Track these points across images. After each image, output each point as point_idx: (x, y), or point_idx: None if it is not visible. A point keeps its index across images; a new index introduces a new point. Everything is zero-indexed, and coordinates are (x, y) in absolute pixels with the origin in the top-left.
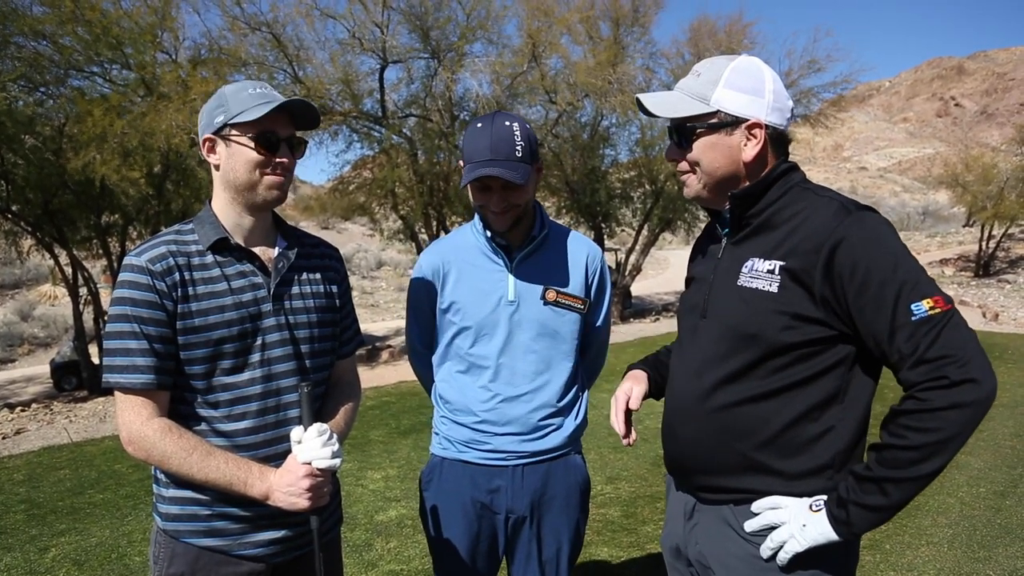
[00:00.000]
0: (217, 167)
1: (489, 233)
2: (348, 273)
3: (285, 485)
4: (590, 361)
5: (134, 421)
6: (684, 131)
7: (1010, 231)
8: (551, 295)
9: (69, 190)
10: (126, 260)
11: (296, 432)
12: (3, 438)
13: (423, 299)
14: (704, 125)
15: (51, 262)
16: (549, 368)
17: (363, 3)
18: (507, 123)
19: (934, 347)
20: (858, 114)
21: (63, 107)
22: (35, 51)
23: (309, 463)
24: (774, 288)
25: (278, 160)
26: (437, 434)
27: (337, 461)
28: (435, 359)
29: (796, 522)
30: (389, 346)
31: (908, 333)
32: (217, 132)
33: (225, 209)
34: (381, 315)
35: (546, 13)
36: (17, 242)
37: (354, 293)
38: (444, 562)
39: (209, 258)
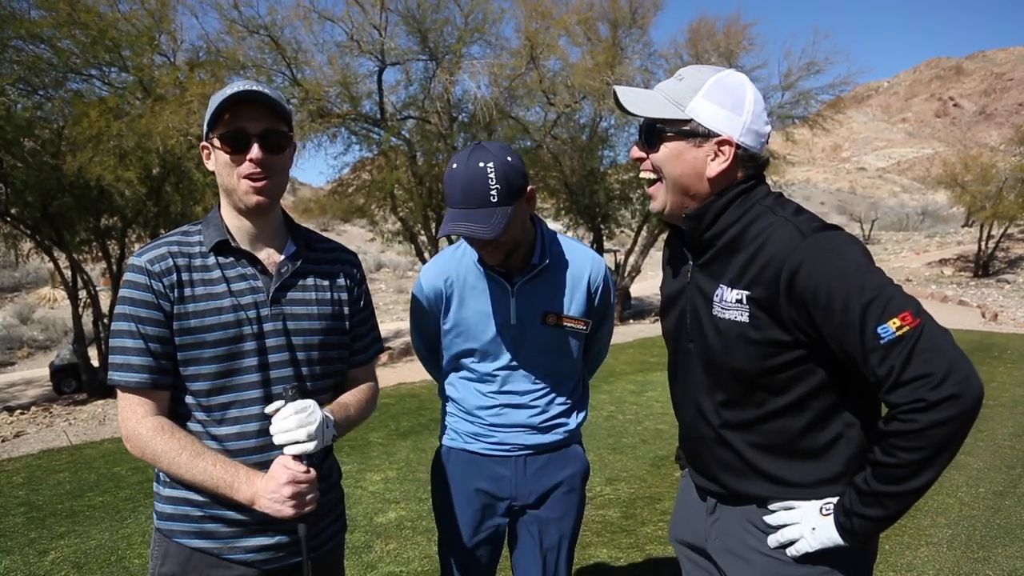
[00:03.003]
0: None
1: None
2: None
3: (269, 491)
4: (591, 358)
5: (130, 419)
6: (653, 132)
7: (1009, 231)
8: (551, 319)
9: (68, 193)
10: (129, 260)
11: (272, 406)
12: (2, 441)
13: (427, 318)
14: (674, 130)
15: (50, 265)
16: (553, 378)
17: (361, 5)
18: (481, 164)
19: (908, 369)
20: (857, 115)
21: (61, 110)
22: (33, 54)
23: (288, 468)
24: (745, 318)
25: (249, 159)
26: (446, 426)
27: (311, 445)
28: (443, 367)
29: (807, 523)
30: (388, 348)
31: (880, 357)
32: (206, 139)
33: (227, 212)
34: (381, 317)
35: (544, 15)
36: (16, 245)
37: None
38: (448, 548)
39: (211, 259)
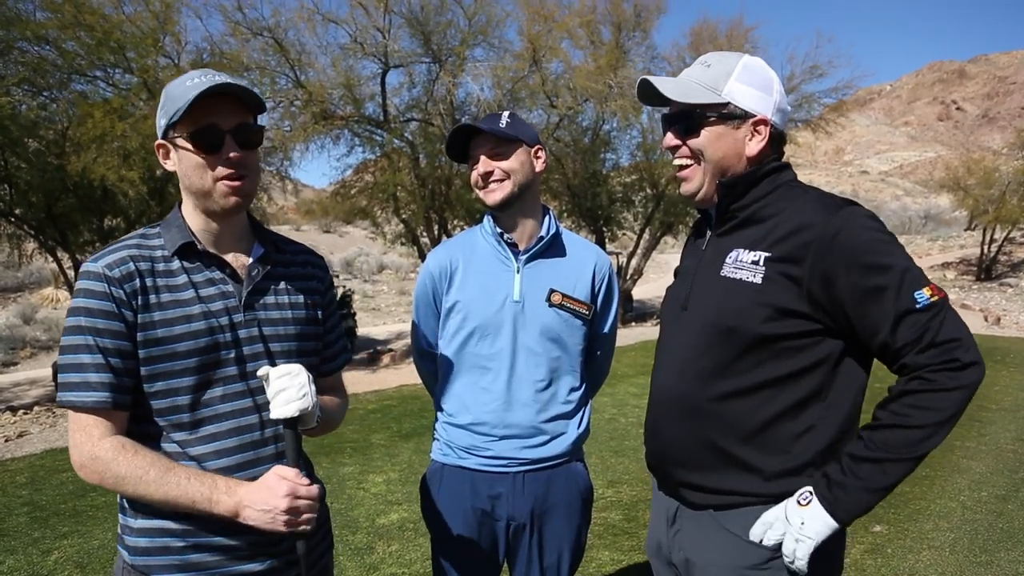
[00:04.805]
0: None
1: (499, 230)
2: (350, 279)
3: (260, 502)
4: (595, 368)
5: (84, 443)
6: (692, 118)
7: (1012, 235)
8: (556, 297)
9: (72, 194)
10: (83, 267)
11: (264, 369)
12: (5, 441)
13: (429, 297)
14: (715, 114)
15: (54, 265)
16: (553, 375)
17: (365, 8)
18: (499, 112)
19: (942, 331)
20: (859, 118)
21: (65, 111)
22: (38, 56)
23: (288, 479)
24: (758, 279)
25: (227, 158)
26: (438, 440)
27: (291, 408)
28: (439, 360)
29: (794, 524)
30: (391, 350)
31: (914, 320)
32: (165, 136)
33: (191, 214)
34: (383, 319)
35: (546, 17)
36: (20, 245)
37: (356, 296)
38: (444, 568)
39: (175, 264)
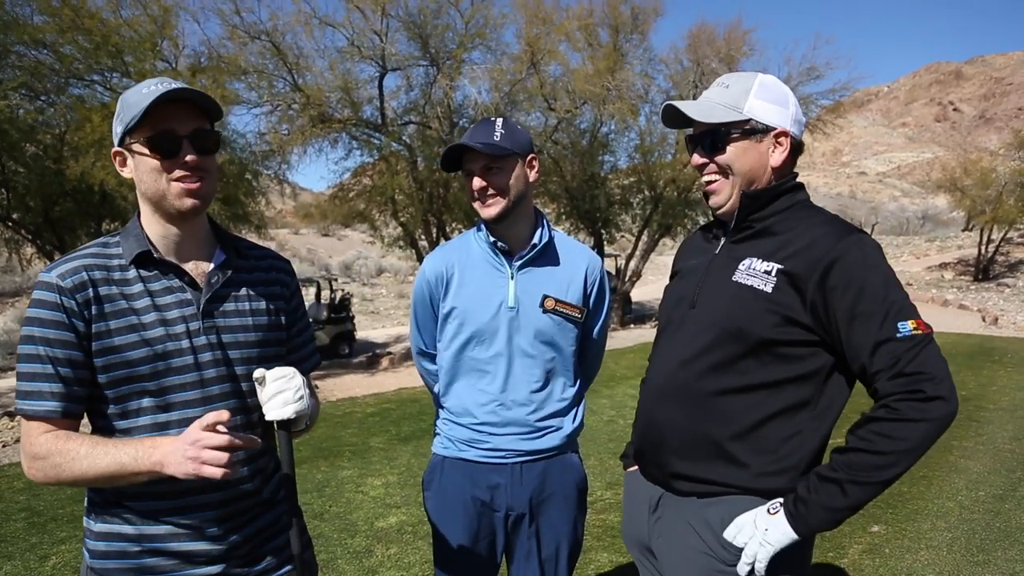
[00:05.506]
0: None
1: (492, 239)
2: (348, 282)
3: (172, 451)
4: (587, 364)
5: (27, 446)
6: (717, 136)
7: (1009, 235)
8: (550, 303)
9: (70, 198)
10: (39, 276)
11: (260, 371)
12: (3, 446)
13: (426, 304)
14: (739, 130)
15: None
16: (548, 376)
17: (362, 11)
18: (491, 119)
19: (914, 363)
20: (857, 119)
21: (63, 115)
22: (36, 60)
23: (198, 426)
24: (769, 288)
25: (184, 162)
26: (439, 434)
27: (303, 404)
28: (439, 362)
29: (760, 530)
30: (389, 353)
31: (891, 348)
32: (122, 144)
33: (149, 221)
34: (381, 322)
35: (545, 20)
36: (18, 250)
37: (355, 300)
38: (445, 560)
39: (132, 273)
